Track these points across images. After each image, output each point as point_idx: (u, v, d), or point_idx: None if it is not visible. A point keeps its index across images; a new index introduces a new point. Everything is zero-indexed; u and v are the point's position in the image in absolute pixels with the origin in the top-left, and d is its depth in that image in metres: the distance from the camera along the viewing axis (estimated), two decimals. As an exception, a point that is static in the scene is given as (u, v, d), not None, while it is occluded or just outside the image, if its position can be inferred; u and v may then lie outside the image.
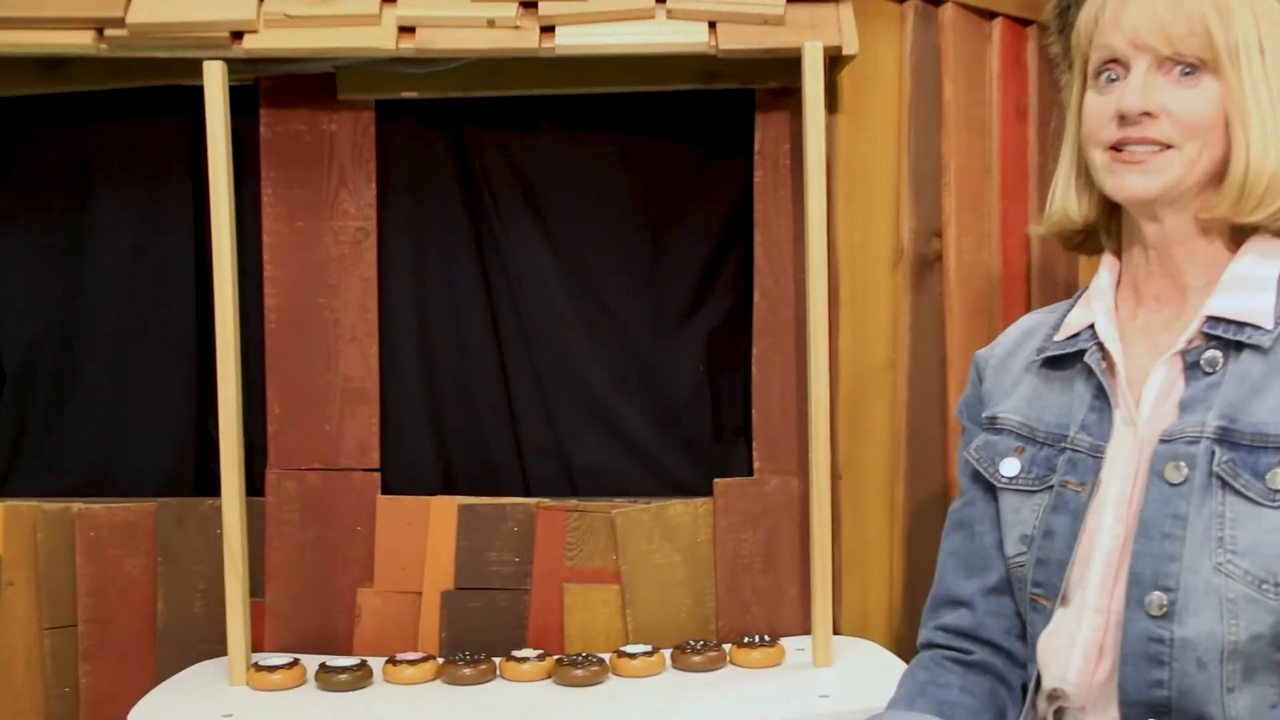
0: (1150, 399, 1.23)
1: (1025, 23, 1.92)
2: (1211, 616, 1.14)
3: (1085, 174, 1.31)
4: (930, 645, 1.40)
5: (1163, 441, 1.19)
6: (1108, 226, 1.35)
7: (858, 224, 1.80)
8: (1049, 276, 1.91)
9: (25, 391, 1.84)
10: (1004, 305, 1.90)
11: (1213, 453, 1.16)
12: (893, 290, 1.84)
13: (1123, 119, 1.21)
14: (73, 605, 1.75)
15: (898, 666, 1.62)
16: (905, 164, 1.83)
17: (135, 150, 1.82)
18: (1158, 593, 1.16)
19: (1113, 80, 1.23)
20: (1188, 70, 1.19)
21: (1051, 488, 1.28)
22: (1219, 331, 1.20)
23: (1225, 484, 1.15)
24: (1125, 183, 1.23)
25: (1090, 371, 1.28)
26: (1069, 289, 1.88)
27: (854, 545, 1.81)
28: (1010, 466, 1.32)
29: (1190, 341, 1.22)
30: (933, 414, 1.86)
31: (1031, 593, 1.28)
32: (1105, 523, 1.23)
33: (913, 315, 1.83)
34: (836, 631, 1.72)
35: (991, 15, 1.90)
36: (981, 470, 1.35)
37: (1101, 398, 1.27)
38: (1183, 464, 1.17)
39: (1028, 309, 1.87)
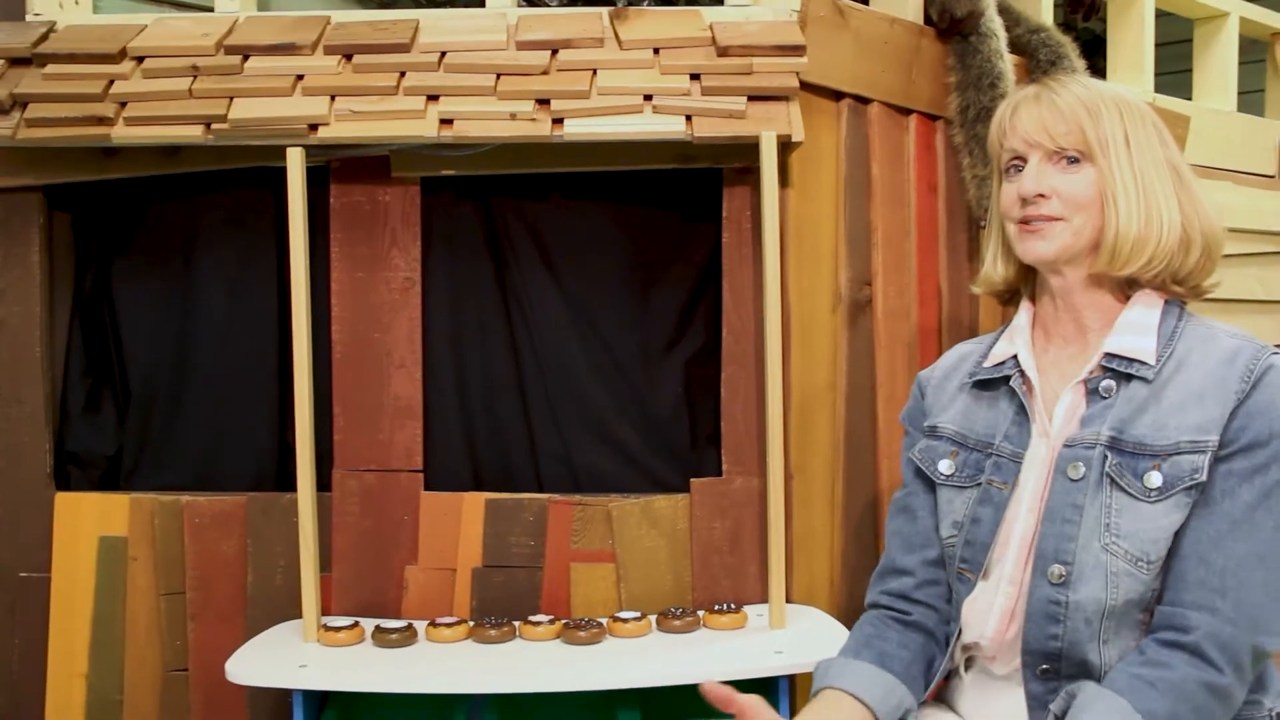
0: (1060, 416, 1.33)
1: (934, 118, 2.00)
2: (1098, 585, 1.24)
3: (1006, 246, 1.42)
4: (876, 605, 1.46)
5: (1066, 446, 1.29)
6: (1025, 281, 1.45)
7: (805, 275, 1.85)
8: (955, 317, 1.99)
9: (146, 407, 1.90)
10: (920, 340, 1.97)
11: (1105, 456, 1.26)
12: (833, 328, 1.89)
13: (1023, 200, 1.33)
14: (182, 576, 1.81)
15: (838, 628, 1.71)
16: (842, 228, 1.89)
17: (232, 217, 1.89)
18: (1057, 565, 1.26)
19: (1018, 170, 1.36)
20: (1072, 159, 1.32)
21: (980, 484, 1.37)
22: (1114, 365, 1.30)
23: (1113, 482, 1.26)
24: (1030, 247, 1.35)
25: (1013, 393, 1.38)
26: (971, 328, 1.98)
27: (803, 531, 1.85)
28: (946, 466, 1.41)
29: (1091, 372, 1.32)
30: (865, 426, 1.92)
31: (959, 567, 1.37)
32: (1021, 513, 1.32)
33: (849, 347, 1.89)
34: (788, 600, 1.78)
35: (908, 112, 1.97)
36: (923, 468, 1.44)
37: (1021, 414, 1.36)
38: (1081, 464, 1.27)
39: (939, 343, 1.97)
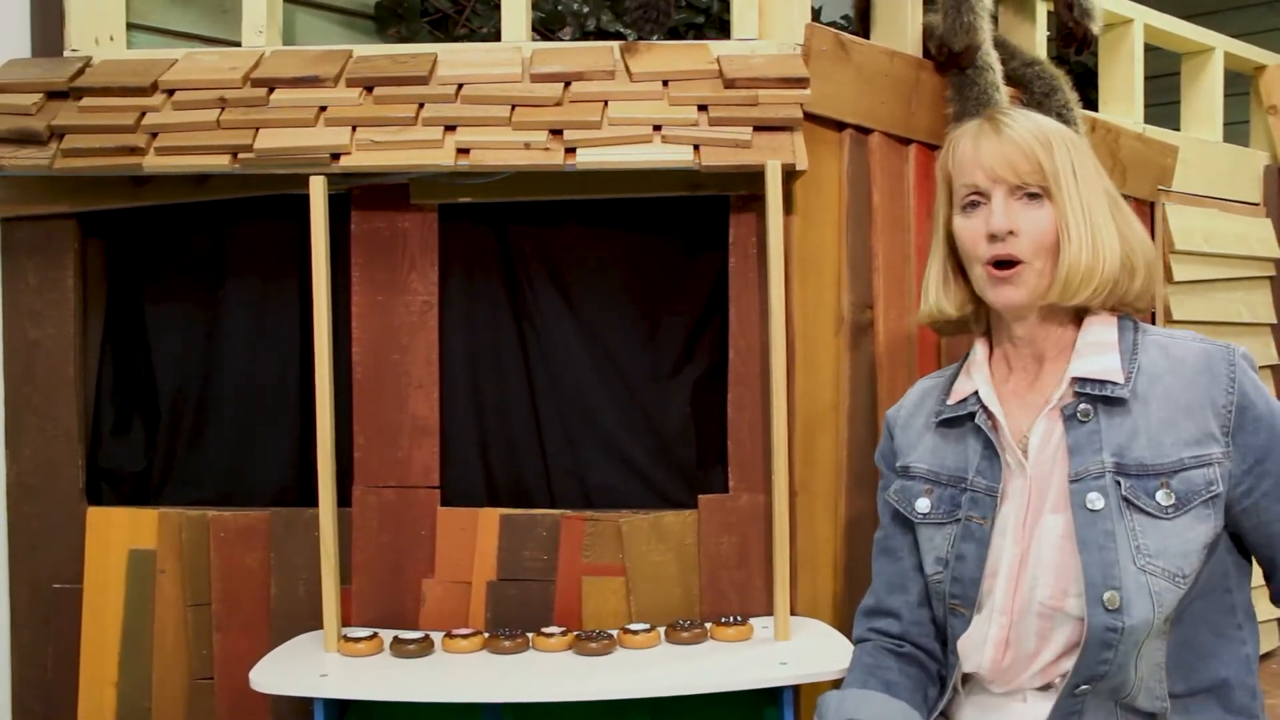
0: (1035, 445, 1.30)
1: (933, 147, 1.96)
2: (1146, 606, 1.22)
3: (953, 277, 1.40)
4: (865, 641, 1.46)
5: (1074, 481, 1.26)
6: (976, 315, 1.42)
7: (808, 298, 1.84)
8: (953, 339, 1.92)
9: (174, 426, 1.89)
10: (920, 361, 1.94)
11: (1118, 483, 1.24)
12: (835, 350, 1.87)
13: (993, 237, 1.30)
14: (208, 588, 1.80)
15: (840, 639, 1.69)
16: (844, 253, 1.87)
17: (257, 243, 1.88)
18: (1110, 591, 1.22)
19: (977, 206, 1.32)
20: (1034, 194, 1.29)
21: (958, 520, 1.34)
22: (1086, 390, 1.28)
23: (1131, 504, 1.23)
24: (1002, 294, 1.32)
25: (980, 428, 1.35)
26: (968, 348, 1.90)
27: (806, 547, 1.83)
28: (923, 505, 1.39)
29: (1063, 399, 1.30)
30: (867, 445, 1.87)
31: (950, 603, 1.35)
32: (1006, 544, 1.30)
33: (851, 369, 1.87)
34: (793, 613, 1.76)
35: (908, 141, 1.94)
36: (901, 509, 1.42)
37: (990, 449, 1.34)
38: (1097, 495, 1.25)
39: (938, 364, 1.94)
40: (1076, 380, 1.30)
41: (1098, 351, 1.31)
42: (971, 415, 1.37)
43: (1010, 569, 1.29)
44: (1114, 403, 1.28)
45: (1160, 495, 1.23)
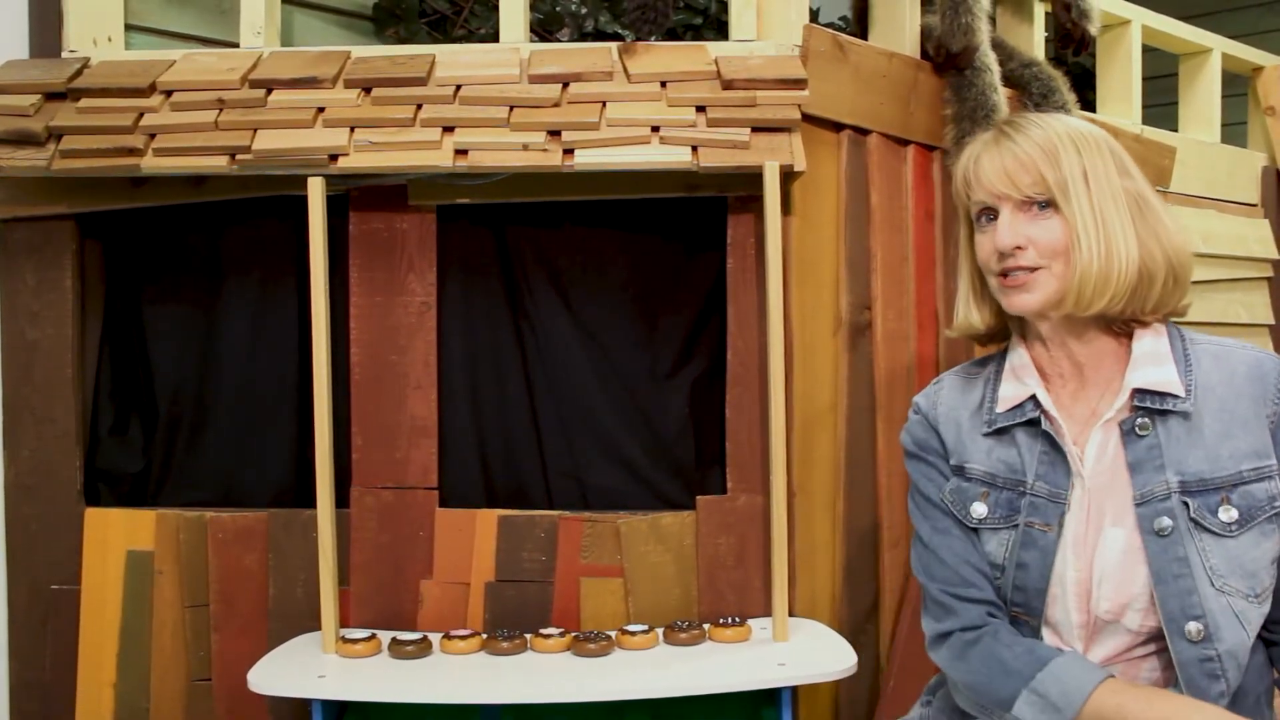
0: (1092, 456, 1.26)
1: (931, 148, 1.97)
2: (1235, 627, 1.19)
3: (980, 292, 1.36)
4: (985, 625, 1.31)
5: (1140, 505, 1.22)
6: (1012, 320, 1.37)
7: (807, 299, 1.83)
8: (952, 339, 1.89)
9: (172, 427, 1.89)
10: (918, 362, 1.93)
11: (1185, 504, 1.21)
12: (834, 350, 1.86)
13: (1001, 254, 1.27)
14: (206, 589, 1.80)
15: (838, 640, 1.70)
16: (842, 254, 1.87)
17: (256, 244, 1.88)
18: (1192, 623, 1.19)
19: (990, 221, 1.29)
20: (1043, 205, 1.26)
21: (1016, 526, 1.28)
22: (1147, 403, 1.24)
23: (1198, 525, 1.20)
24: (1015, 301, 1.28)
25: (1032, 431, 1.30)
26: (968, 350, 1.91)
27: (805, 547, 1.82)
28: (980, 509, 1.32)
29: (1120, 411, 1.25)
30: (865, 446, 1.88)
31: (1013, 610, 1.30)
32: (1068, 558, 1.25)
33: (849, 369, 1.87)
34: (791, 614, 1.75)
35: (906, 143, 1.94)
36: (955, 513, 1.34)
37: (1050, 453, 1.28)
38: (1165, 518, 1.21)
39: (936, 365, 1.94)
40: (1136, 392, 1.26)
41: (1155, 363, 1.26)
42: (1032, 421, 1.31)
43: (1078, 586, 1.26)
44: (1172, 415, 1.24)
45: (1222, 512, 1.20)
